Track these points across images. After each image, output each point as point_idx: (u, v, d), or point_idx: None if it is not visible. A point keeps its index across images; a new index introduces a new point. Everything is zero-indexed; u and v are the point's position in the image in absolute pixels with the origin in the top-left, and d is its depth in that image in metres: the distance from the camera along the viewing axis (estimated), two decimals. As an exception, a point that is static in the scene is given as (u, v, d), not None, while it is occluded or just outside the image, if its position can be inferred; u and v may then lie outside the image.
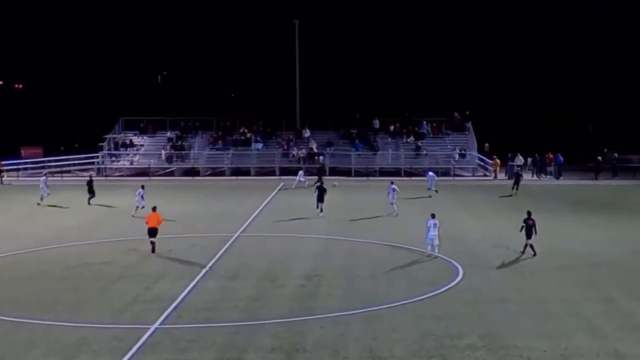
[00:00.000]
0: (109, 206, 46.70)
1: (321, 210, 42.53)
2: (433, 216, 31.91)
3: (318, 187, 43.96)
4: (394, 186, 42.96)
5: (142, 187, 44.34)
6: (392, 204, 42.64)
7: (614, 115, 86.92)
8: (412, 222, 39.61)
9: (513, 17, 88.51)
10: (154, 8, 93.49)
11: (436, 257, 31.14)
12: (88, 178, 50.07)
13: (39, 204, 46.90)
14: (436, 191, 51.13)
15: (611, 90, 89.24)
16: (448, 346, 20.09)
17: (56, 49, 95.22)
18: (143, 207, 41.26)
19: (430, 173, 53.26)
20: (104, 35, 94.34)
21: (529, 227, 31.43)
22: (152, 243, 32.25)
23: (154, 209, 33.59)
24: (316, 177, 52.57)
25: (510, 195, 51.87)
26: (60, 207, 46.49)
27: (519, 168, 59.35)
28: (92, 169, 66.93)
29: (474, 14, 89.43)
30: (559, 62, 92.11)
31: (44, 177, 49.50)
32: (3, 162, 63.42)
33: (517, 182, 53.55)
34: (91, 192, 47.40)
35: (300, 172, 57.61)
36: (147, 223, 32.81)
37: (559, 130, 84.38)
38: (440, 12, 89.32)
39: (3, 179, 61.13)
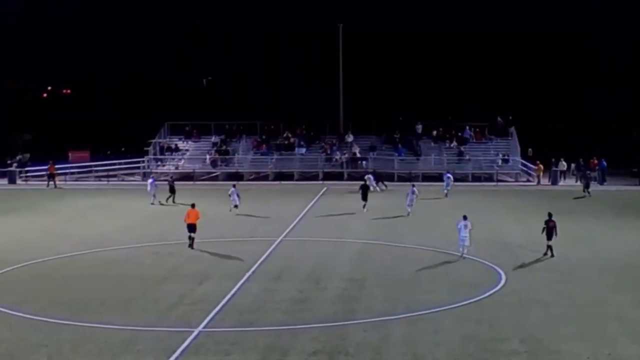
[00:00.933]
0: (155, 209, 47.24)
1: (364, 207, 44.77)
2: (465, 217, 32.35)
3: (361, 187, 46.37)
4: (414, 189, 44.22)
5: (234, 186, 46.49)
6: (408, 206, 43.53)
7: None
8: (452, 227, 39.42)
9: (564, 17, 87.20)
10: (190, 12, 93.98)
11: (464, 257, 31.53)
12: (170, 179, 54.70)
13: (152, 203, 48.52)
14: (446, 195, 51.53)
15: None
16: (490, 350, 19.97)
17: (102, 53, 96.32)
18: (236, 206, 44.36)
19: (448, 175, 53.46)
20: (149, 38, 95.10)
21: (550, 229, 32.06)
22: (191, 238, 33.81)
23: (193, 205, 35.06)
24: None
25: (583, 197, 52.38)
26: (108, 210, 47.14)
27: (588, 172, 58.99)
28: (138, 173, 67.69)
29: (520, 15, 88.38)
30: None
31: (151, 180, 50.94)
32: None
33: (587, 185, 53.97)
34: (172, 191, 49.75)
35: (369, 176, 54.97)
36: (186, 220, 34.27)
37: (603, 135, 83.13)
38: (486, 13, 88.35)
39: (56, 182, 62.01)
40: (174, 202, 49.01)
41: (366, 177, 54.61)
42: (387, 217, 43.06)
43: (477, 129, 72.92)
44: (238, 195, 44.68)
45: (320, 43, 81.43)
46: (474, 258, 31.64)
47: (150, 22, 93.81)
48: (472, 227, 32.20)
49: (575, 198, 51.62)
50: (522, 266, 30.24)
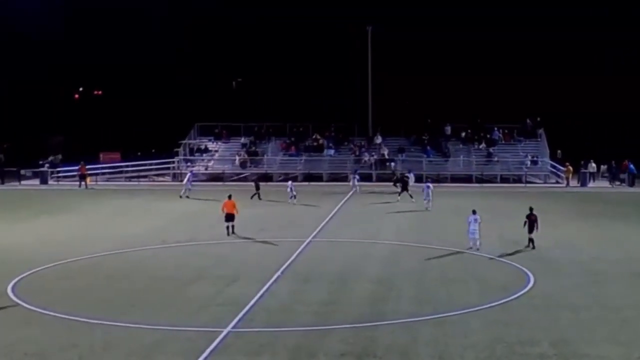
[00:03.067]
0: (185, 211, 47.49)
1: (411, 196, 49.01)
2: (474, 212, 34.07)
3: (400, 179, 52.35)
4: (429, 184, 46.00)
5: (291, 180, 54.11)
6: (425, 200, 45.17)
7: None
8: (481, 228, 39.19)
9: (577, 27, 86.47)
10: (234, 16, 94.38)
11: (478, 249, 33.16)
12: (255, 178, 57.17)
13: (180, 196, 50.13)
14: (427, 208, 46.10)
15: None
16: (519, 353, 19.76)
17: (132, 54, 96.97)
18: (295, 196, 49.52)
19: (429, 184, 48.41)
20: (177, 40, 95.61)
21: (531, 222, 33.66)
22: (228, 227, 37.06)
23: (230, 197, 38.47)
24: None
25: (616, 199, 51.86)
26: (139, 210, 47.47)
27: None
28: (168, 174, 68.13)
29: (541, 25, 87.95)
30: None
31: (190, 174, 51.99)
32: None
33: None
34: (257, 188, 52.27)
35: (355, 177, 58.54)
36: (223, 210, 37.83)
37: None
38: (510, 23, 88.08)
39: (87, 183, 62.64)
40: (259, 198, 51.19)
41: (407, 174, 56.96)
42: (416, 220, 42.89)
43: (506, 131, 72.69)
44: (291, 189, 50.27)
45: (350, 46, 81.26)
46: (502, 260, 31.48)
47: (177, 23, 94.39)
48: (482, 220, 33.98)
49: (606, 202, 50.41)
50: (550, 269, 29.91)
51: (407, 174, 56.80)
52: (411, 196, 49.78)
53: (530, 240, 33.68)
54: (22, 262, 28.55)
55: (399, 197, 49.56)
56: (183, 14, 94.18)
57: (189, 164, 70.45)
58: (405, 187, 50.51)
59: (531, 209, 34.13)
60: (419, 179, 58.56)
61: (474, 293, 26.15)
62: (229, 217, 37.20)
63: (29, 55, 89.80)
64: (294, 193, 50.24)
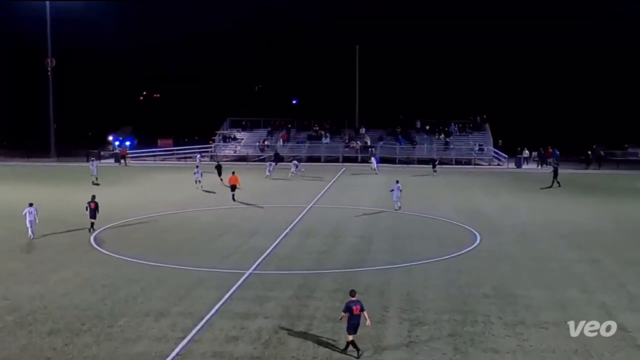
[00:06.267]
0: (215, 183, 47.16)
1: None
2: (397, 182, 35.47)
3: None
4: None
5: (296, 160, 52.51)
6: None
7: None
8: (440, 199, 39.06)
9: (527, 30, 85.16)
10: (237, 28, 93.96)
11: (399, 209, 34.01)
12: (216, 163, 50.46)
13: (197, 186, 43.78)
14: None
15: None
16: (467, 294, 19.67)
17: (181, 67, 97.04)
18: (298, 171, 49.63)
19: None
20: (216, 54, 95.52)
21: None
22: (233, 194, 37.53)
23: (233, 172, 38.92)
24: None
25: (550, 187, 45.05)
26: (184, 182, 47.13)
27: (556, 165, 50.32)
28: (207, 155, 67.83)
29: (493, 29, 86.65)
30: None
31: (197, 170, 46.34)
32: (128, 150, 65.10)
33: (555, 175, 45.99)
34: (220, 173, 46.81)
35: (295, 162, 53.29)
36: (229, 182, 38.40)
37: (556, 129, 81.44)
38: (466, 27, 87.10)
39: (127, 161, 61.96)
40: (221, 180, 44.99)
41: (294, 162, 53.56)
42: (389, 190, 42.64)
43: (460, 125, 72.23)
44: (297, 166, 50.91)
45: (341, 59, 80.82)
46: (456, 222, 31.26)
47: (215, 41, 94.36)
48: (403, 189, 35.08)
49: (542, 188, 45.05)
50: (493, 230, 29.71)
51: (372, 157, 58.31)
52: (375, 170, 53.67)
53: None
54: (100, 220, 28.42)
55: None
56: (215, 35, 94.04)
57: (222, 147, 70.06)
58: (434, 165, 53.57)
59: (397, 181, 35.58)
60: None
61: (434, 247, 25.97)
62: (232, 188, 37.83)
63: (110, 68, 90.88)
64: (299, 169, 50.39)
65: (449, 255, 24.45)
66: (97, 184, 44.26)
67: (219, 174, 46.94)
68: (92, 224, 28.19)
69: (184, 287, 20.00)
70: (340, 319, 15.57)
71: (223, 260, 23.54)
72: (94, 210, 28.12)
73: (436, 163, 55.08)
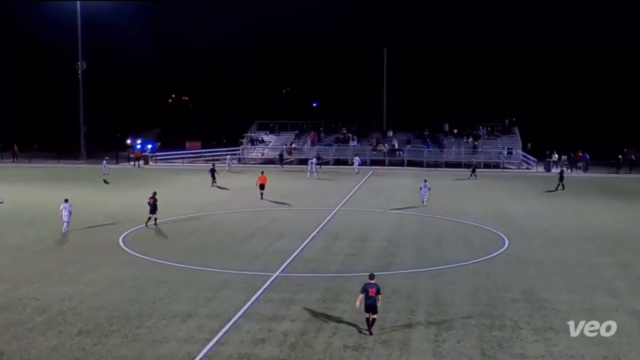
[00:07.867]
0: (243, 186, 47.32)
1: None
2: (425, 180, 37.81)
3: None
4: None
5: (315, 158, 54.06)
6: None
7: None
8: (468, 202, 38.70)
9: (557, 33, 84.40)
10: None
11: (424, 204, 36.22)
12: (211, 166, 47.99)
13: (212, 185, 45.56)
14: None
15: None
16: (495, 298, 19.41)
17: (211, 70, 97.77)
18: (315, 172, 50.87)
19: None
20: (246, 60, 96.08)
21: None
22: (262, 193, 38.74)
23: (262, 172, 40.44)
24: None
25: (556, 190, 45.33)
26: (209, 185, 47.46)
27: (562, 169, 52.77)
28: (235, 158, 68.20)
29: (523, 32, 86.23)
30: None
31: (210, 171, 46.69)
32: (157, 153, 66.29)
33: (561, 178, 46.47)
34: (214, 177, 45.74)
35: (312, 160, 53.90)
36: (257, 182, 39.39)
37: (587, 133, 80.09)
38: (495, 30, 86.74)
39: (140, 163, 62.90)
40: (212, 185, 45.10)
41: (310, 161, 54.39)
42: (415, 194, 42.36)
43: (489, 128, 71.54)
44: (315, 165, 52.42)
45: (370, 62, 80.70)
46: (483, 226, 30.93)
47: (243, 49, 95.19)
48: (431, 187, 37.01)
49: (548, 191, 45.11)
50: (521, 234, 29.32)
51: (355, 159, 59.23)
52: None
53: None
54: (129, 220, 28.77)
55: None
56: (244, 44, 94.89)
57: (250, 150, 70.36)
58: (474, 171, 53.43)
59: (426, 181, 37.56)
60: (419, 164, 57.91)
61: (461, 251, 25.72)
62: (262, 187, 39.02)
63: (140, 71, 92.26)
64: (315, 169, 50.99)
65: (477, 259, 24.15)
66: (107, 183, 46.39)
67: (213, 177, 45.79)
68: (149, 218, 29.80)
69: (211, 289, 20.07)
70: (356, 303, 16.53)
71: (250, 262, 23.57)
72: (152, 205, 29.82)
73: (475, 167, 54.77)
